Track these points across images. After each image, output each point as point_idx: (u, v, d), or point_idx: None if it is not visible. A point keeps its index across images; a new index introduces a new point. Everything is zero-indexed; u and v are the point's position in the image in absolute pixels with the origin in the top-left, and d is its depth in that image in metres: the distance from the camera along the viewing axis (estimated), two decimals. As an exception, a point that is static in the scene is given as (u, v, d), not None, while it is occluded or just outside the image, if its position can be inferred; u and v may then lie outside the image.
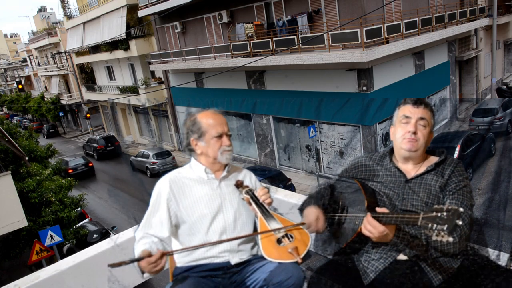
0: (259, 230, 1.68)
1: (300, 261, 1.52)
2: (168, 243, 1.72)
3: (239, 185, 1.80)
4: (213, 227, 1.71)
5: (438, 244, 1.42)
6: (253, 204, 1.71)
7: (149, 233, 1.68)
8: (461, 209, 1.14)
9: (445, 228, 1.14)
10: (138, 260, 1.46)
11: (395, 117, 1.65)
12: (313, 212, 1.65)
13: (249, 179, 1.89)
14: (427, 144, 1.60)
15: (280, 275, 1.52)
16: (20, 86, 30.04)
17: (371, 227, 1.39)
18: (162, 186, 1.75)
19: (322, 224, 1.63)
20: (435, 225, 1.16)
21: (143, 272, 1.51)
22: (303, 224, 1.65)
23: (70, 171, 18.65)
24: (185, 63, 16.50)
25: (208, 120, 1.76)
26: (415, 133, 1.55)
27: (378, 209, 1.43)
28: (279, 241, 1.60)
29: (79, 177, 17.70)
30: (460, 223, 1.13)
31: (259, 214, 1.69)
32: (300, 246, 1.57)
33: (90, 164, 19.85)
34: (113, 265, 1.42)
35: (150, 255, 1.47)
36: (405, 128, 1.58)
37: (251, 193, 1.74)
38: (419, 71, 13.30)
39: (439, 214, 1.16)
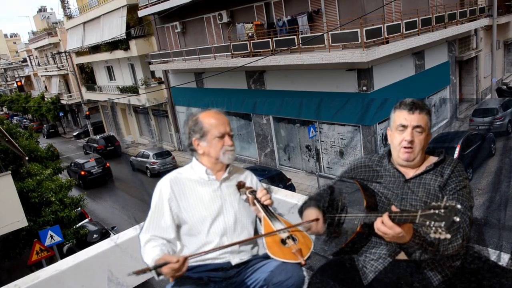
0: (263, 230, 1.68)
1: (303, 262, 1.52)
2: (175, 244, 1.72)
3: (241, 186, 1.79)
4: (213, 229, 1.71)
5: (437, 243, 1.41)
6: (257, 204, 1.71)
7: (156, 235, 1.67)
8: (459, 206, 1.12)
9: (442, 225, 1.12)
10: (161, 266, 1.45)
11: (391, 120, 1.65)
12: (312, 214, 1.65)
13: (250, 180, 1.88)
14: (425, 147, 1.61)
15: (280, 275, 1.52)
16: (19, 84, 30.07)
17: (386, 228, 1.34)
18: (163, 187, 1.74)
19: (322, 225, 1.63)
20: (432, 222, 1.14)
21: (159, 274, 1.50)
22: (316, 219, 1.62)
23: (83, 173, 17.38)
24: (185, 63, 16.49)
25: (210, 120, 1.74)
26: (411, 141, 1.56)
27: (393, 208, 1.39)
28: (283, 241, 1.61)
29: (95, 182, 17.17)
30: (458, 219, 1.11)
31: (263, 213, 1.69)
32: (303, 249, 1.58)
33: (107, 165, 18.03)
34: (137, 272, 1.41)
35: (169, 260, 1.45)
36: (401, 135, 1.58)
37: (253, 194, 1.74)
38: (419, 71, 13.29)
39: (436, 211, 1.15)
